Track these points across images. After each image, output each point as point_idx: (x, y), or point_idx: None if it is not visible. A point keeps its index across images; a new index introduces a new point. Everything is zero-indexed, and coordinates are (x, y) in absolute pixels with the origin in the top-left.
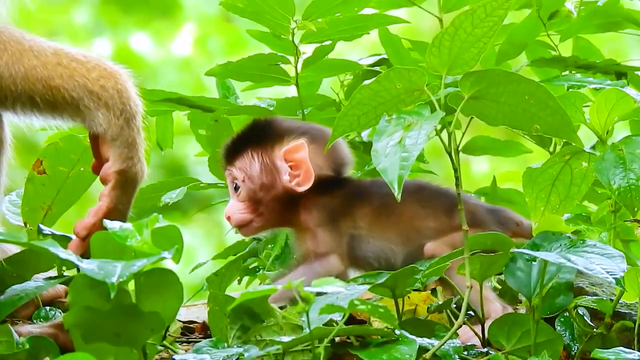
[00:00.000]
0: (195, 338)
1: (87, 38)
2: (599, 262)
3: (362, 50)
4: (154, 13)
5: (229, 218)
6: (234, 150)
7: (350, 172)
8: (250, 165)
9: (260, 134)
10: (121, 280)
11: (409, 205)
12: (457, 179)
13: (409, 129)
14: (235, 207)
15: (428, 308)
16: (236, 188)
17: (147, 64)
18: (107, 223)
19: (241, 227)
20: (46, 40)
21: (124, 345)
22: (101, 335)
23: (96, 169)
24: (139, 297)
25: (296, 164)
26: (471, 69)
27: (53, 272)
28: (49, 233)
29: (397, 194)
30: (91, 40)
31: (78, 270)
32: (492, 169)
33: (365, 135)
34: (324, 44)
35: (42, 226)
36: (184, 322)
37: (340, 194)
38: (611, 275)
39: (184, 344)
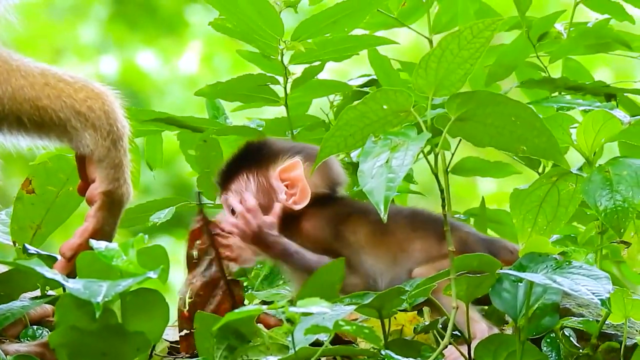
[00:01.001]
0: (181, 357)
1: (93, 55)
2: (585, 284)
3: (362, 70)
4: (161, 30)
5: None
6: (229, 174)
7: (343, 191)
8: (246, 187)
9: (254, 156)
10: (106, 299)
11: (401, 228)
12: (444, 200)
13: (395, 150)
14: None
15: (414, 328)
16: (233, 212)
17: (153, 82)
18: (93, 243)
19: None
20: (33, 60)
21: None
22: (87, 354)
23: (82, 190)
24: (124, 317)
25: (292, 183)
26: (458, 90)
27: None
28: (34, 252)
29: (384, 215)
30: (98, 57)
31: (64, 289)
32: (498, 188)
33: (354, 156)
34: (313, 64)
35: (27, 246)
36: (170, 342)
37: (334, 210)
38: (597, 296)
39: None
